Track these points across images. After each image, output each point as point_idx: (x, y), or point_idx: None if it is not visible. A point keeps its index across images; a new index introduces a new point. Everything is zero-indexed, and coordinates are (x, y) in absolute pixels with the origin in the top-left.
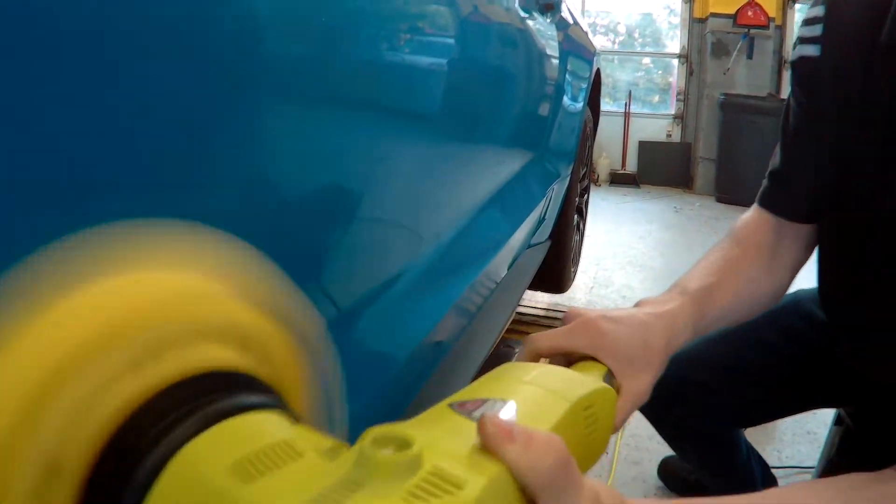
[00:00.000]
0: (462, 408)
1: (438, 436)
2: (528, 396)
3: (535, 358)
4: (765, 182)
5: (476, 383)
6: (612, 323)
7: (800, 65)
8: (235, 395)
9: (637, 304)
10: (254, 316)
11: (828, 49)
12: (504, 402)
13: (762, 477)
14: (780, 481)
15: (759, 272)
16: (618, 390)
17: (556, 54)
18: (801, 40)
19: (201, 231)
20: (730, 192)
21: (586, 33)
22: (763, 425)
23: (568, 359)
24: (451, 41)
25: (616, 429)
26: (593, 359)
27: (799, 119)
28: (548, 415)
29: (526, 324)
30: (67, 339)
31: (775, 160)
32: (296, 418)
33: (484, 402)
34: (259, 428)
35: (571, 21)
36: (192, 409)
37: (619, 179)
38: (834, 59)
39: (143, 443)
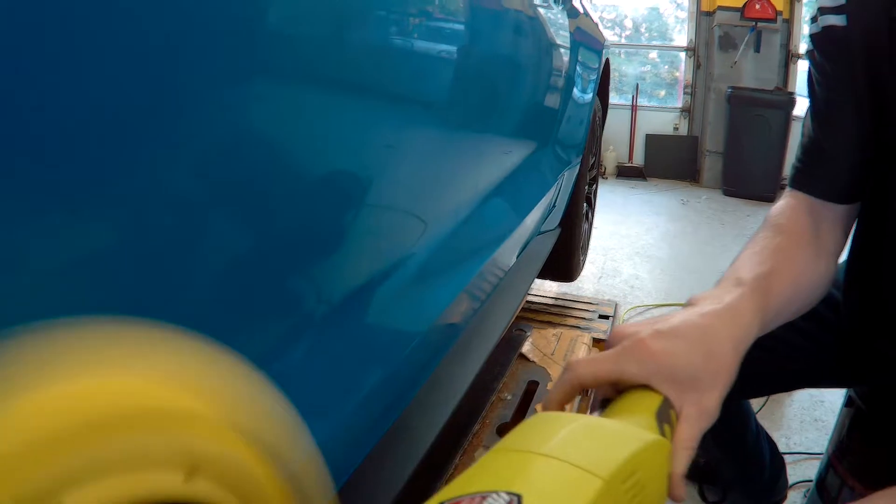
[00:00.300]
0: None
1: None
2: (544, 481)
3: (577, 390)
4: (796, 164)
5: (484, 459)
6: (665, 340)
7: (825, 35)
8: None
9: (689, 303)
10: (226, 440)
11: (854, 18)
12: (510, 496)
13: (771, 458)
14: (787, 467)
15: (807, 258)
16: (678, 417)
17: (568, 42)
18: (823, 10)
19: (173, 329)
20: (737, 186)
21: (596, 24)
22: (770, 412)
23: (616, 388)
24: (469, 26)
25: (678, 477)
26: (647, 385)
27: (828, 90)
28: None
29: (534, 311)
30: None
31: (807, 138)
32: None
33: (483, 499)
34: None
35: (582, 10)
36: None
37: (625, 172)
38: (860, 28)
39: None
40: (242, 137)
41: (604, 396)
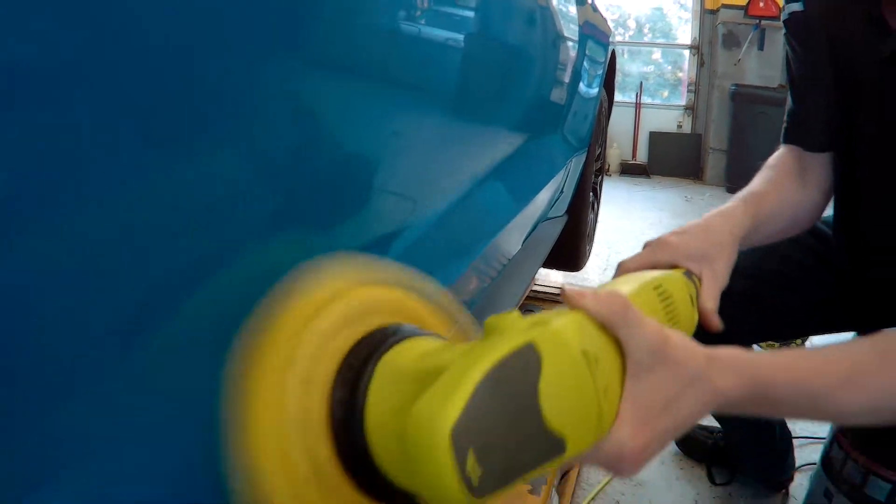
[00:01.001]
0: None
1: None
2: (612, 285)
3: None
4: (783, 124)
5: None
6: (680, 235)
7: (791, 20)
8: (407, 333)
9: (701, 218)
10: (413, 301)
11: (809, 4)
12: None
13: (780, 432)
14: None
15: (794, 186)
16: (700, 281)
17: (577, 31)
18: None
19: (381, 259)
20: (740, 183)
21: (604, 18)
22: None
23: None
24: (489, 15)
25: (711, 312)
26: (675, 267)
27: (798, 66)
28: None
29: (541, 300)
30: (336, 311)
31: (788, 105)
32: (443, 339)
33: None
34: (424, 343)
35: (589, 0)
36: (386, 338)
37: (629, 170)
38: (818, 13)
39: (367, 353)
40: (300, 124)
41: None
